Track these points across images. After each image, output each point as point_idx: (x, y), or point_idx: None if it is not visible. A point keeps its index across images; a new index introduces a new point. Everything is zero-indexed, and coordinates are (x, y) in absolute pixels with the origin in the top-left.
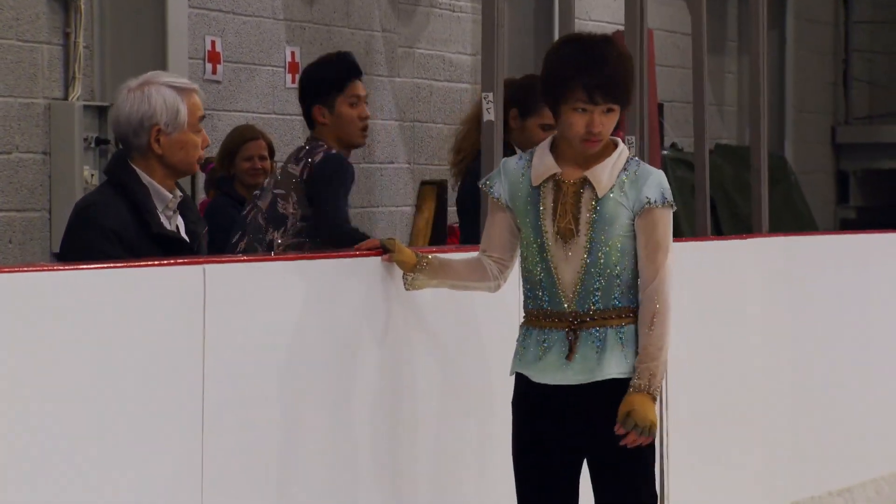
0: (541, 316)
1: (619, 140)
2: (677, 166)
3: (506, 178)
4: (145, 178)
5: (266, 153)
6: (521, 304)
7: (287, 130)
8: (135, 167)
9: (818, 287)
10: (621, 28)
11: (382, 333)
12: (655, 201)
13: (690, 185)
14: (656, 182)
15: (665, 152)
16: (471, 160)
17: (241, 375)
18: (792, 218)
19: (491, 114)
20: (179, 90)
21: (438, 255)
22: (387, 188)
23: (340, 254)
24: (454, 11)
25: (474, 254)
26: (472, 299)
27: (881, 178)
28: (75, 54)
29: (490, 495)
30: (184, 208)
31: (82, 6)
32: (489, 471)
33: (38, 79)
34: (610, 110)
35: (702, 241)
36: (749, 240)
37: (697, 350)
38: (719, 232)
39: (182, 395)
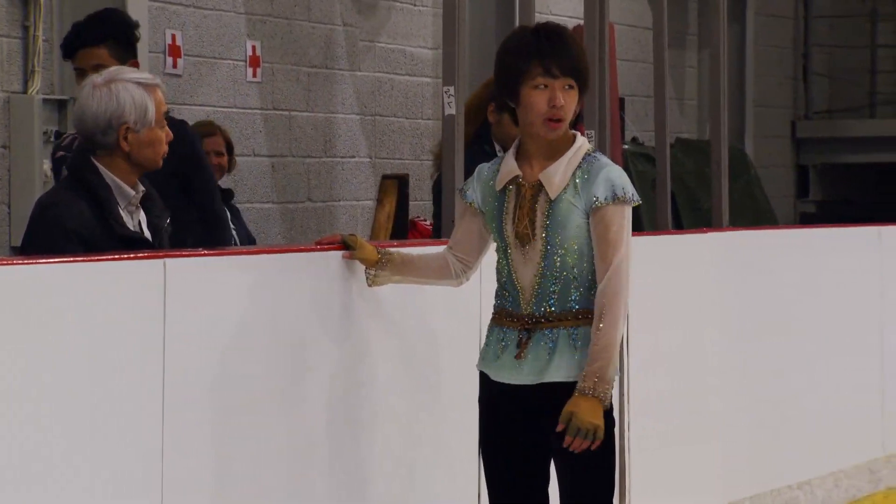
0: (503, 315)
1: (579, 134)
2: (638, 161)
3: (479, 183)
4: (108, 175)
5: (223, 149)
6: (480, 300)
7: (248, 124)
8: (98, 164)
9: (778, 281)
10: (582, 22)
11: (343, 327)
12: (606, 199)
13: (651, 179)
14: (605, 178)
15: (626, 147)
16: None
17: (201, 369)
18: (752, 212)
19: (452, 108)
20: (146, 86)
21: (401, 250)
22: (348, 182)
23: (302, 248)
24: (415, 5)
25: (440, 248)
26: (432, 296)
27: (841, 173)
28: (34, 48)
29: (449, 491)
30: (147, 203)
31: None
32: (447, 467)
33: None
34: (570, 87)
35: (662, 234)
36: (709, 234)
37: (657, 344)
38: (679, 226)
39: (143, 389)
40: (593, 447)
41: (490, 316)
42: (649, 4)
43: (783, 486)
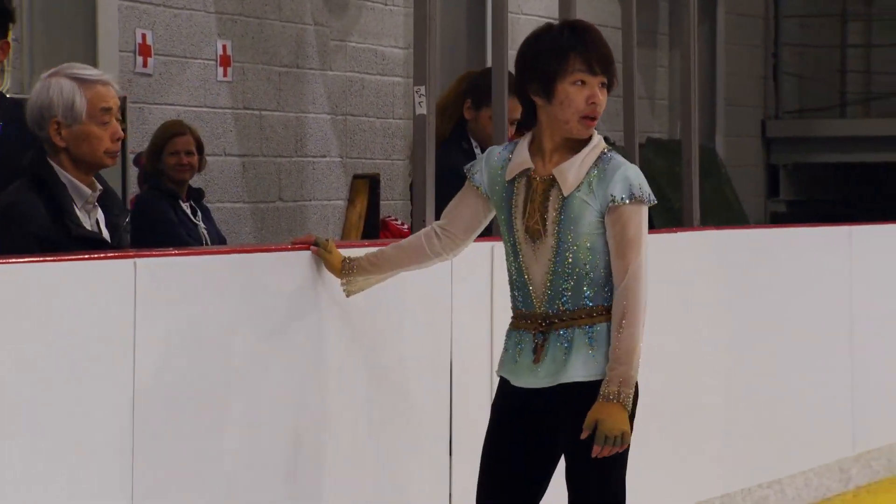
0: (518, 317)
1: (594, 134)
2: None
3: (487, 166)
4: (63, 174)
5: (193, 148)
6: (451, 293)
7: (219, 124)
8: (52, 163)
9: (749, 280)
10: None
11: (315, 327)
12: (622, 198)
13: None
14: (623, 177)
15: None
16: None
17: (172, 369)
18: (723, 211)
19: (423, 107)
20: (81, 81)
21: (373, 252)
22: (319, 182)
23: (273, 247)
24: (386, 5)
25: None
26: (404, 293)
27: (811, 172)
28: None
29: (421, 492)
30: (106, 201)
31: None
32: (419, 466)
33: None
34: (604, 85)
35: None
36: (681, 233)
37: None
38: (651, 225)
39: (112, 390)
40: (620, 451)
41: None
42: (619, 3)
43: (754, 486)
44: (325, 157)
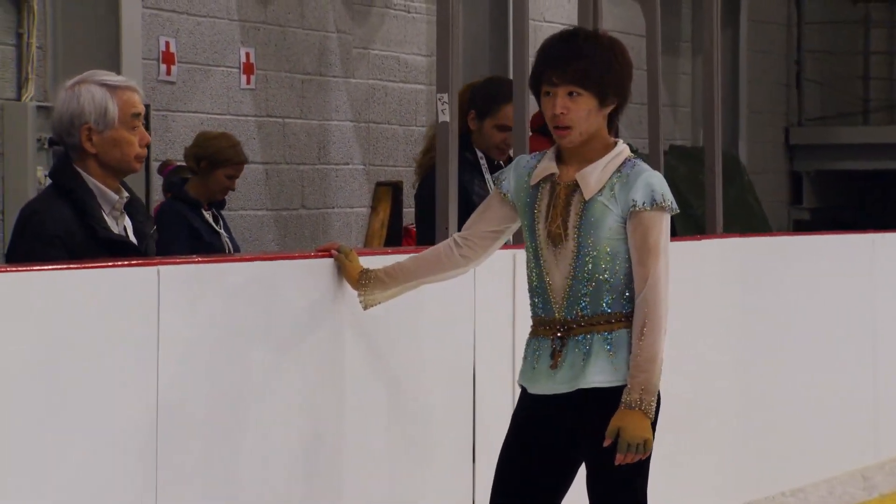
0: (537, 324)
1: (620, 140)
2: None
3: (515, 173)
4: (90, 180)
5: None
6: (474, 309)
7: (242, 131)
8: (78, 169)
9: (772, 287)
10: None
11: (337, 334)
12: (644, 204)
13: None
14: (645, 183)
15: None
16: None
17: (194, 376)
18: (746, 219)
19: (446, 115)
20: (110, 87)
21: (391, 265)
22: (342, 189)
23: (295, 255)
24: (409, 12)
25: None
26: (423, 303)
27: (834, 179)
28: (28, 55)
29: (439, 498)
30: (132, 209)
31: (35, 6)
32: (438, 473)
33: None
34: (574, 93)
35: None
36: (703, 241)
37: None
38: (674, 233)
39: (136, 396)
40: (642, 458)
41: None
42: (642, 11)
43: (777, 494)
44: (347, 164)
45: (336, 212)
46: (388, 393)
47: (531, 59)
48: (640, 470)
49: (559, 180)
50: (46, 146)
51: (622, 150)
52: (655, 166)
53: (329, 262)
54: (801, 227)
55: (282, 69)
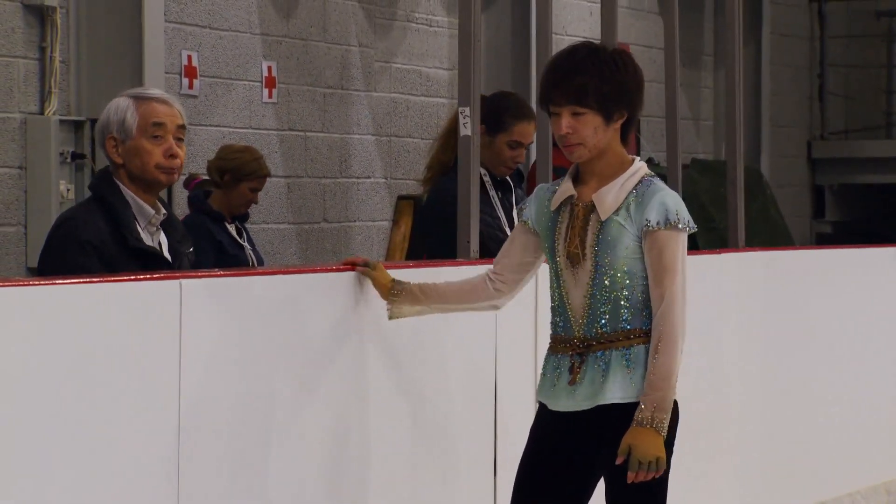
0: (557, 342)
1: (638, 158)
2: None
3: (536, 201)
4: (128, 193)
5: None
6: (496, 325)
7: (264, 145)
8: (118, 183)
9: (794, 301)
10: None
11: (359, 347)
12: (658, 223)
13: None
14: (659, 202)
15: None
16: (438, 175)
17: (216, 389)
18: (768, 232)
19: (468, 128)
20: (135, 98)
21: (427, 282)
22: (363, 203)
23: (317, 268)
24: (431, 26)
25: (456, 269)
26: (450, 319)
27: (857, 193)
28: (51, 69)
29: None
30: (168, 227)
31: (58, 20)
32: (455, 496)
33: (14, 93)
34: (578, 113)
35: None
36: (725, 254)
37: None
38: (695, 246)
39: (159, 410)
40: (656, 477)
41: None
42: (663, 24)
43: None
44: (369, 178)
45: (358, 225)
46: (410, 406)
47: None
48: (659, 487)
49: (578, 201)
50: (69, 160)
51: (639, 168)
52: (674, 179)
53: (352, 275)
54: (823, 241)
55: (304, 83)
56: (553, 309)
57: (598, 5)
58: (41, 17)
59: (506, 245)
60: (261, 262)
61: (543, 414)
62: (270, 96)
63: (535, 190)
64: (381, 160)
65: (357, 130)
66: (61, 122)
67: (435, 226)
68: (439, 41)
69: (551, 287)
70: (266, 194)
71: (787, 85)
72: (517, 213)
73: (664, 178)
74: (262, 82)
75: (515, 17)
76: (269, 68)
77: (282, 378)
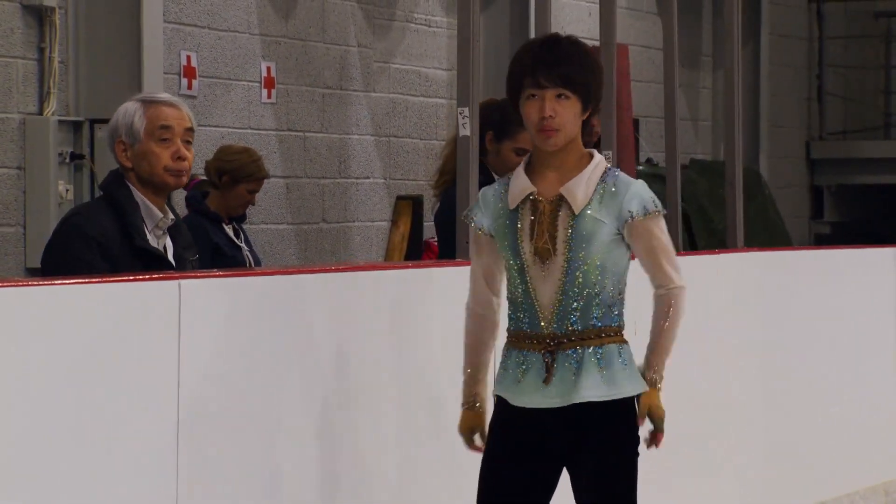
0: (521, 337)
1: (596, 151)
2: (652, 181)
3: (485, 207)
4: (138, 195)
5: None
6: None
7: (263, 145)
8: (129, 184)
9: (793, 302)
10: (597, 43)
11: (357, 348)
12: (640, 213)
13: (665, 200)
14: (635, 193)
15: (640, 168)
16: (452, 180)
17: (216, 389)
18: (766, 233)
19: (466, 129)
20: (142, 102)
21: (477, 371)
22: (362, 203)
23: (316, 269)
24: (430, 26)
25: (451, 269)
26: (435, 321)
27: (855, 194)
28: (50, 69)
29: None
30: (175, 233)
31: (57, 21)
32: (451, 489)
33: (13, 94)
34: (563, 96)
35: (676, 255)
36: (724, 255)
37: (672, 365)
38: (694, 247)
39: (156, 410)
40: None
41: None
42: (661, 25)
43: None
44: (368, 178)
45: (357, 225)
46: (411, 406)
47: None
48: (633, 479)
49: (539, 197)
50: (68, 160)
51: (600, 160)
52: (673, 180)
53: (351, 275)
54: (822, 242)
55: (303, 83)
56: (516, 304)
57: (597, 6)
58: (40, 17)
59: (474, 262)
60: (258, 263)
61: (505, 409)
62: (269, 97)
63: (480, 196)
64: (380, 160)
65: (356, 131)
66: (60, 122)
67: (452, 230)
68: (438, 42)
69: (511, 283)
70: (265, 195)
71: (786, 85)
72: (464, 219)
73: (663, 179)
74: (261, 83)
75: (514, 18)
76: (268, 69)
77: (281, 378)
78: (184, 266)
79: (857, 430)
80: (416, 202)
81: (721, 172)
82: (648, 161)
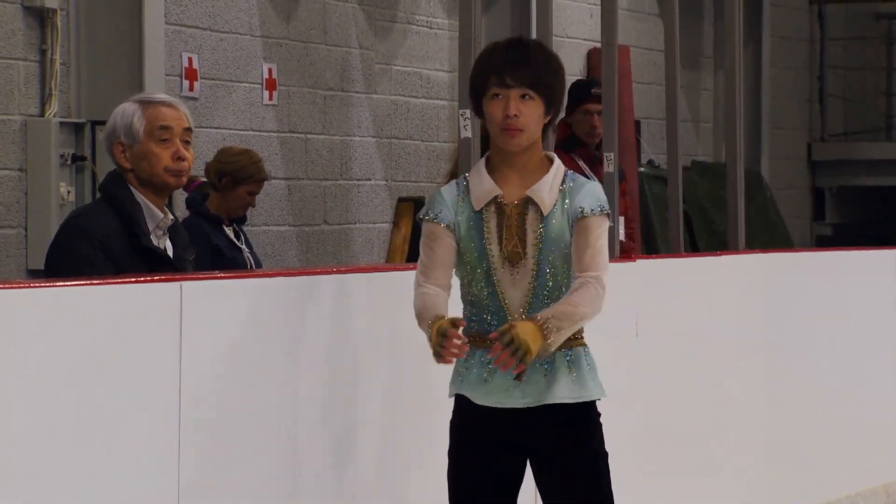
0: (487, 339)
1: (555, 156)
2: (654, 183)
3: (448, 203)
4: (139, 195)
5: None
6: None
7: (264, 147)
8: (129, 185)
9: (795, 303)
10: (598, 45)
11: (359, 350)
12: (592, 210)
13: (666, 201)
14: (590, 191)
15: (642, 169)
16: None
17: (217, 391)
18: (768, 234)
19: (468, 130)
20: (141, 102)
21: (437, 308)
22: (364, 205)
23: (317, 270)
24: (431, 28)
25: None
26: None
27: (857, 195)
28: (51, 71)
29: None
30: (174, 234)
31: (59, 22)
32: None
33: (14, 95)
34: (527, 97)
35: (677, 257)
36: (725, 256)
37: (674, 367)
38: (695, 248)
39: (157, 412)
40: (516, 370)
41: None
42: (663, 26)
43: None
44: (369, 180)
45: (358, 227)
46: (412, 408)
47: None
48: (607, 482)
49: (504, 200)
50: (69, 162)
51: (560, 164)
52: (674, 181)
53: (352, 277)
54: (823, 243)
55: (304, 85)
56: (480, 307)
57: (599, 7)
58: (41, 19)
59: (432, 253)
60: (258, 264)
61: (469, 408)
62: (271, 98)
63: (439, 193)
64: (382, 162)
65: (357, 132)
66: (61, 124)
67: None
68: (440, 43)
69: (473, 286)
70: (266, 196)
71: (787, 87)
72: (425, 217)
73: (664, 181)
74: (262, 84)
75: (515, 20)
76: (270, 70)
77: (281, 379)
78: (183, 266)
79: (858, 431)
80: (417, 204)
81: (722, 174)
82: (650, 163)
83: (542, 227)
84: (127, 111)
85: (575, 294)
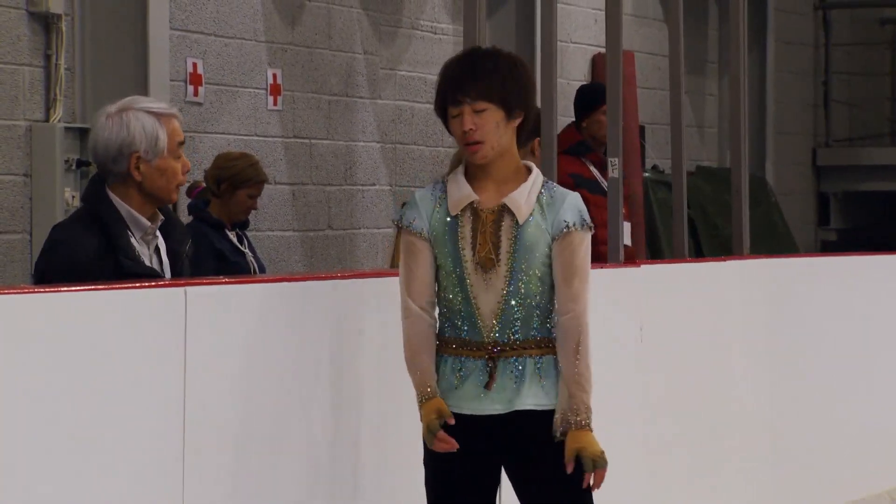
0: (459, 344)
1: (533, 165)
2: (658, 188)
3: (423, 210)
4: (122, 206)
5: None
6: None
7: (269, 152)
8: (111, 194)
9: (799, 309)
10: (602, 50)
11: (363, 354)
12: (575, 224)
13: (670, 206)
14: (572, 205)
15: (646, 174)
16: None
17: (222, 397)
18: (772, 240)
19: None
20: (158, 116)
21: (426, 375)
22: (368, 210)
23: (322, 275)
24: (435, 34)
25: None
26: None
27: (862, 201)
28: (56, 76)
29: None
30: (168, 228)
31: (63, 28)
32: None
33: (19, 101)
34: (479, 110)
35: (682, 262)
36: (730, 262)
37: (677, 373)
38: (700, 254)
39: (163, 417)
40: (604, 475)
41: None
42: (668, 32)
43: None
44: (374, 185)
45: (362, 232)
46: (414, 413)
47: (559, 81)
48: (583, 487)
49: (481, 206)
50: (74, 167)
51: (538, 173)
52: (678, 186)
53: (356, 282)
54: (828, 248)
55: (309, 90)
56: (454, 312)
57: (603, 12)
58: (46, 24)
59: (410, 271)
60: (262, 269)
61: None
62: (275, 104)
63: (415, 198)
64: (386, 167)
65: (362, 138)
66: (66, 129)
67: None
68: (444, 48)
69: (448, 291)
70: (271, 201)
71: (792, 92)
72: (399, 224)
73: (669, 186)
74: (267, 90)
75: (520, 25)
76: (275, 76)
77: (286, 385)
78: (180, 261)
79: (864, 436)
80: None
81: (727, 179)
82: (654, 168)
83: (517, 235)
84: (147, 124)
85: (577, 364)
